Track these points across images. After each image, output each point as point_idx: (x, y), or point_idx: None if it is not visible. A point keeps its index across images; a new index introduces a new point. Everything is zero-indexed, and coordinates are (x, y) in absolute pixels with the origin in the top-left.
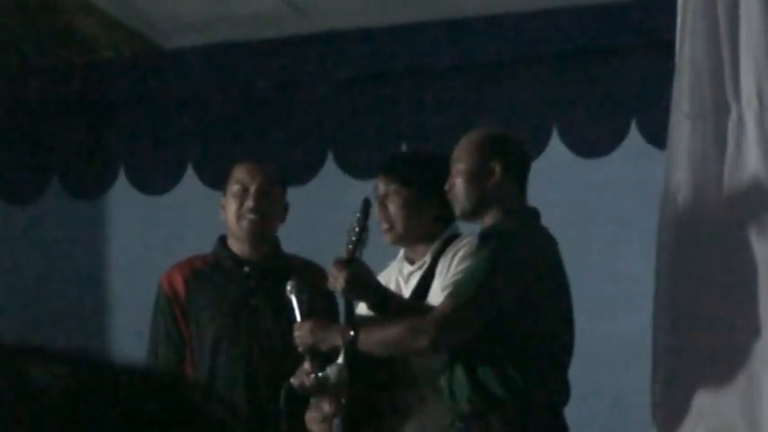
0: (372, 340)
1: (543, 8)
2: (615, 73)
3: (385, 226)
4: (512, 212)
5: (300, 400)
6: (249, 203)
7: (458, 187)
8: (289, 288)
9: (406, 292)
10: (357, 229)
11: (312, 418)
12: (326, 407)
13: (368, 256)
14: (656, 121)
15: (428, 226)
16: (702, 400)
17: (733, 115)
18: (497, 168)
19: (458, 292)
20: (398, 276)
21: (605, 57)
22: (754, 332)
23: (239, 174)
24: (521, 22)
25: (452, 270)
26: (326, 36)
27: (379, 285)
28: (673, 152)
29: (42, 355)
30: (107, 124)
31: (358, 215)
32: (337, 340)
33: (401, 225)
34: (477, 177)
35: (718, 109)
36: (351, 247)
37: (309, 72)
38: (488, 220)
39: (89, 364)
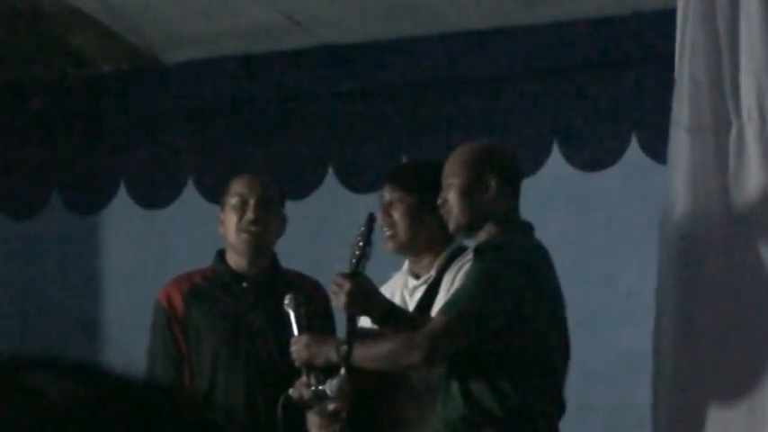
0: (367, 355)
1: (543, 22)
2: (615, 87)
3: (388, 233)
4: (506, 227)
5: (298, 412)
6: (250, 216)
7: (452, 202)
8: (287, 302)
9: (411, 306)
10: (361, 244)
11: (314, 421)
12: (328, 411)
13: (371, 270)
14: (657, 135)
15: (432, 236)
16: (706, 416)
17: (733, 129)
18: (491, 182)
19: (451, 307)
20: (404, 290)
21: (605, 70)
22: (759, 347)
23: (238, 187)
24: (520, 36)
25: (456, 285)
26: (326, 50)
27: (382, 299)
28: (673, 166)
29: (51, 368)
30: (106, 139)
31: (362, 229)
32: (332, 355)
33: (405, 233)
34: (471, 191)
35: (719, 123)
36: (354, 261)
37: (309, 86)
38: (482, 234)
39: (97, 377)
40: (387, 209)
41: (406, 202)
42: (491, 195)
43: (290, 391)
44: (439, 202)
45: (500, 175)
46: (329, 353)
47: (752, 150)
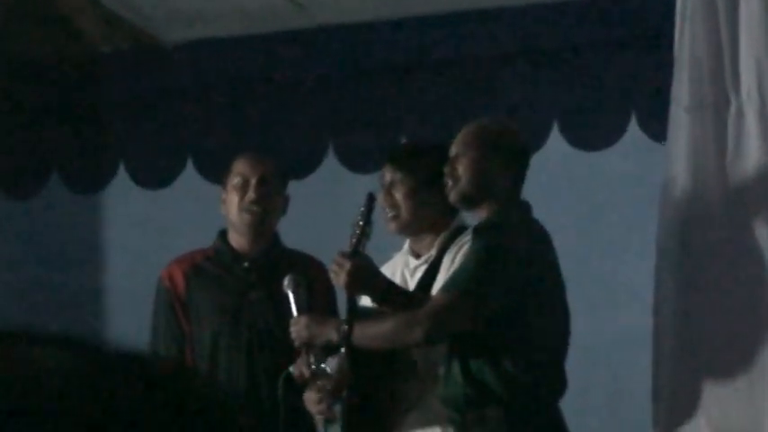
0: (367, 334)
1: (543, 2)
2: (615, 66)
3: (390, 214)
4: (506, 206)
5: (298, 389)
6: (251, 195)
7: (461, 172)
8: (286, 283)
9: (412, 285)
10: (361, 223)
11: (311, 398)
12: (326, 387)
13: (371, 250)
14: (656, 115)
15: (434, 215)
16: (705, 397)
17: (733, 108)
18: (504, 160)
19: (452, 285)
20: (405, 270)
21: (605, 50)
22: (759, 327)
23: (240, 167)
24: (521, 16)
25: (456, 264)
26: (326, 30)
27: (382, 278)
28: (672, 145)
29: (45, 340)
30: (106, 118)
31: (362, 209)
32: (333, 335)
33: (407, 213)
34: (483, 165)
35: (718, 102)
36: (354, 240)
37: (309, 66)
38: (483, 212)
39: (92, 350)
40: (388, 189)
41: (408, 182)
42: (501, 173)
43: (291, 368)
44: (446, 169)
45: (513, 155)
46: (329, 333)
47: (751, 129)
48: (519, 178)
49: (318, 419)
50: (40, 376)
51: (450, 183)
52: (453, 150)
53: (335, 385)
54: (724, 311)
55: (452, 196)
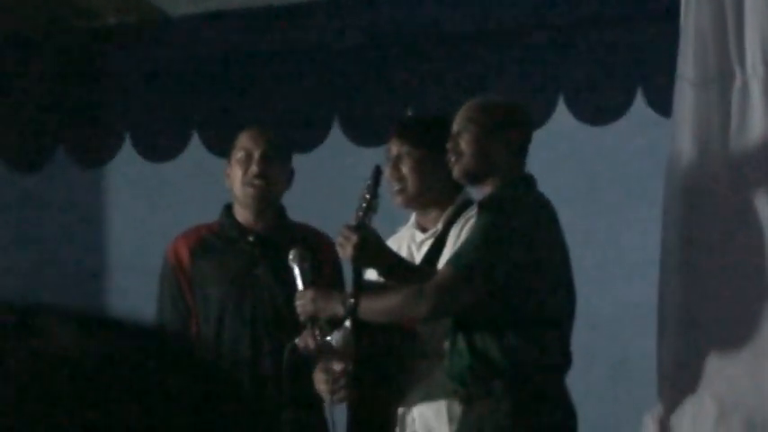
0: (373, 308)
1: None
2: (621, 40)
3: (397, 187)
4: (510, 180)
5: (303, 361)
6: (254, 169)
7: (464, 147)
8: (291, 257)
9: (418, 259)
10: (367, 196)
11: (321, 378)
12: (335, 367)
13: (378, 223)
14: (662, 89)
15: (440, 189)
16: (709, 371)
17: (738, 82)
18: (508, 135)
19: (457, 259)
20: (411, 244)
21: (611, 24)
22: (763, 301)
23: (243, 141)
24: None
25: (462, 239)
26: (332, 2)
27: (388, 252)
28: (678, 120)
29: (56, 314)
30: (111, 91)
31: (368, 182)
32: (338, 309)
33: (414, 187)
34: (486, 140)
35: (723, 76)
36: (360, 213)
37: (315, 39)
38: (487, 187)
39: (104, 324)
40: (395, 163)
41: (415, 155)
42: (503, 147)
43: (297, 340)
44: (449, 145)
45: (516, 131)
46: (335, 307)
47: (756, 103)
48: (522, 152)
49: (327, 398)
50: (58, 351)
51: (453, 158)
52: (455, 126)
53: (343, 365)
54: (729, 286)
55: (456, 172)
